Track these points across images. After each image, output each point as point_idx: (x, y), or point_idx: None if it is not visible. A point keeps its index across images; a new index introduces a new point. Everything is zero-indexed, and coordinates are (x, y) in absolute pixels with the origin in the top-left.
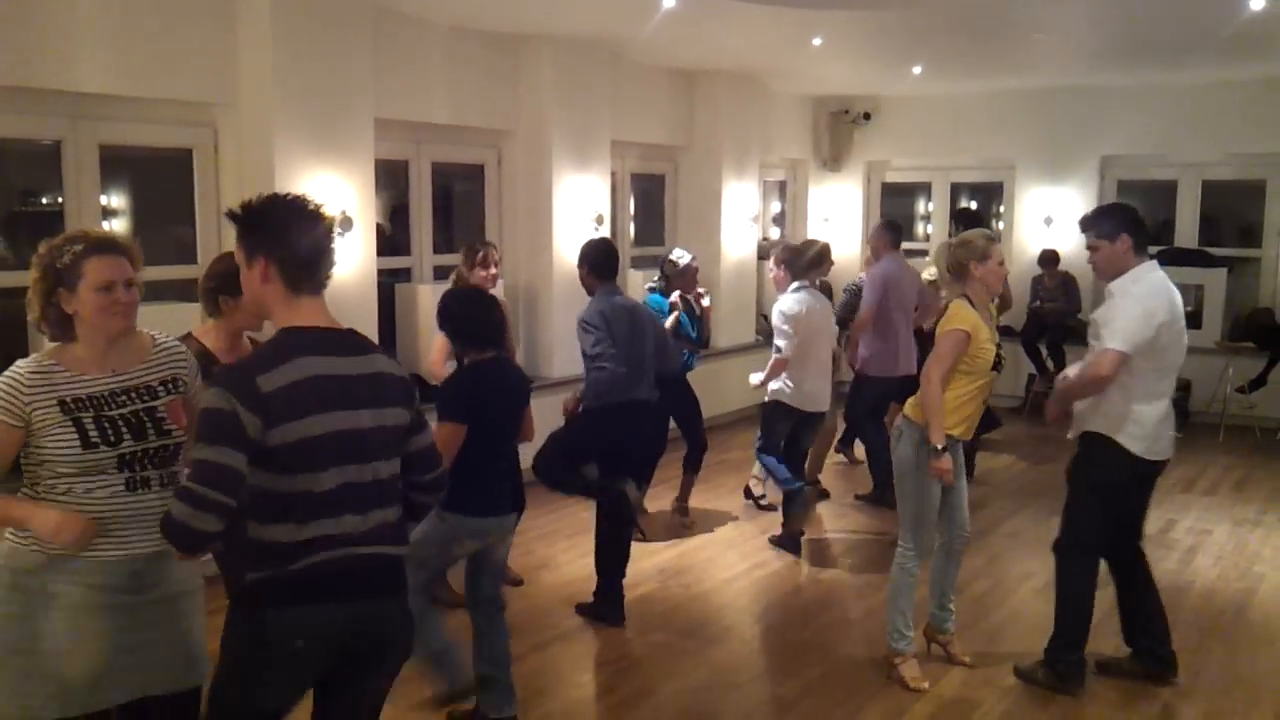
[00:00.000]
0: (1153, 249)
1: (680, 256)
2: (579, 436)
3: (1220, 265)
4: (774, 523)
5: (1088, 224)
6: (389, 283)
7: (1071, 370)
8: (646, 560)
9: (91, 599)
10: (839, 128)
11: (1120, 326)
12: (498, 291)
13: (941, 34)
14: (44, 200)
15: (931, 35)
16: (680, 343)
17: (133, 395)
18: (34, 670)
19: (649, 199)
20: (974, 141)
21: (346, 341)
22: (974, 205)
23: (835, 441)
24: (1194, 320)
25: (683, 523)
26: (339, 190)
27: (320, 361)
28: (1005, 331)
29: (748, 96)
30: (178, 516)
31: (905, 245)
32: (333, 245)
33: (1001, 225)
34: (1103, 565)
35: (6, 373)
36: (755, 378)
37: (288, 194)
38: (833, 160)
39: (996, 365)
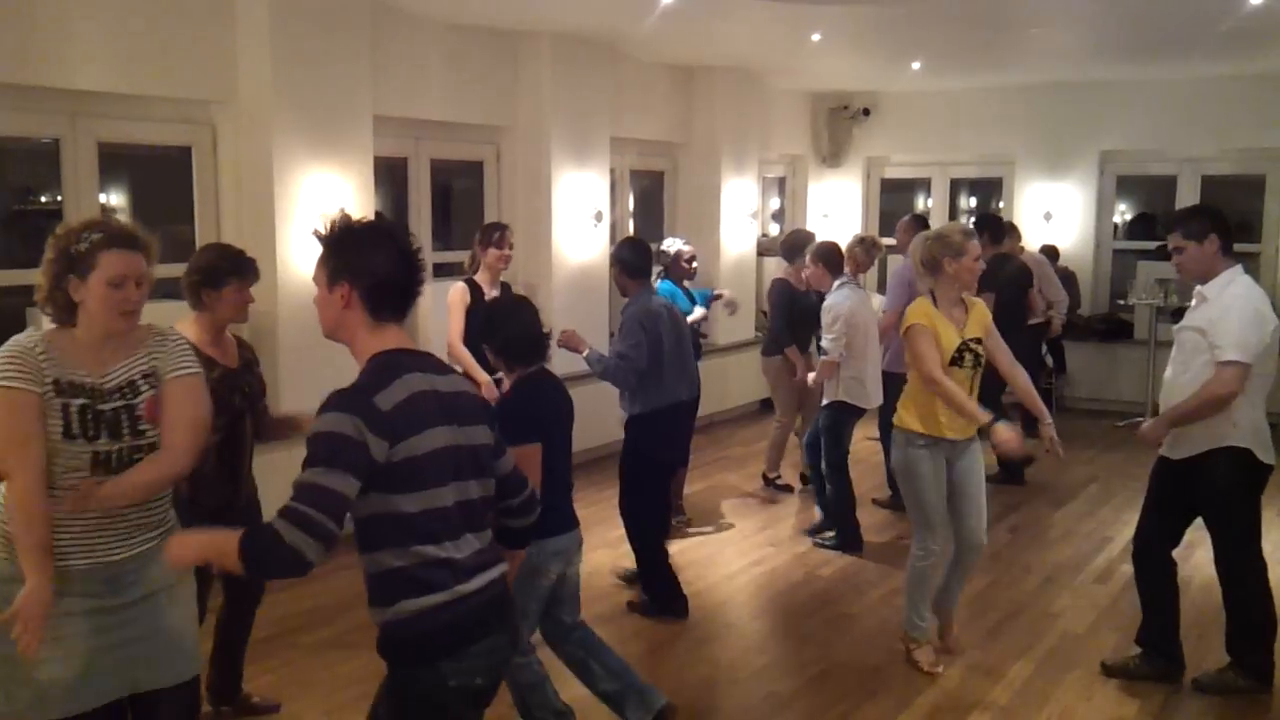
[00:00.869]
0: (1151, 244)
1: (670, 244)
2: (639, 461)
3: None
4: (776, 519)
5: (1174, 224)
6: None
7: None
8: None
9: (67, 606)
10: (838, 123)
11: (1237, 338)
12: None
13: (940, 29)
14: (43, 199)
15: (930, 30)
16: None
17: (120, 392)
18: (12, 675)
19: (648, 196)
20: (973, 137)
21: (433, 361)
22: (999, 207)
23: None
24: None
25: (677, 520)
26: (338, 187)
27: (422, 378)
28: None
29: (747, 92)
30: (291, 542)
31: None
32: (421, 274)
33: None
34: (1117, 572)
35: (7, 346)
36: (811, 377)
37: (372, 219)
38: (832, 156)
39: (976, 362)
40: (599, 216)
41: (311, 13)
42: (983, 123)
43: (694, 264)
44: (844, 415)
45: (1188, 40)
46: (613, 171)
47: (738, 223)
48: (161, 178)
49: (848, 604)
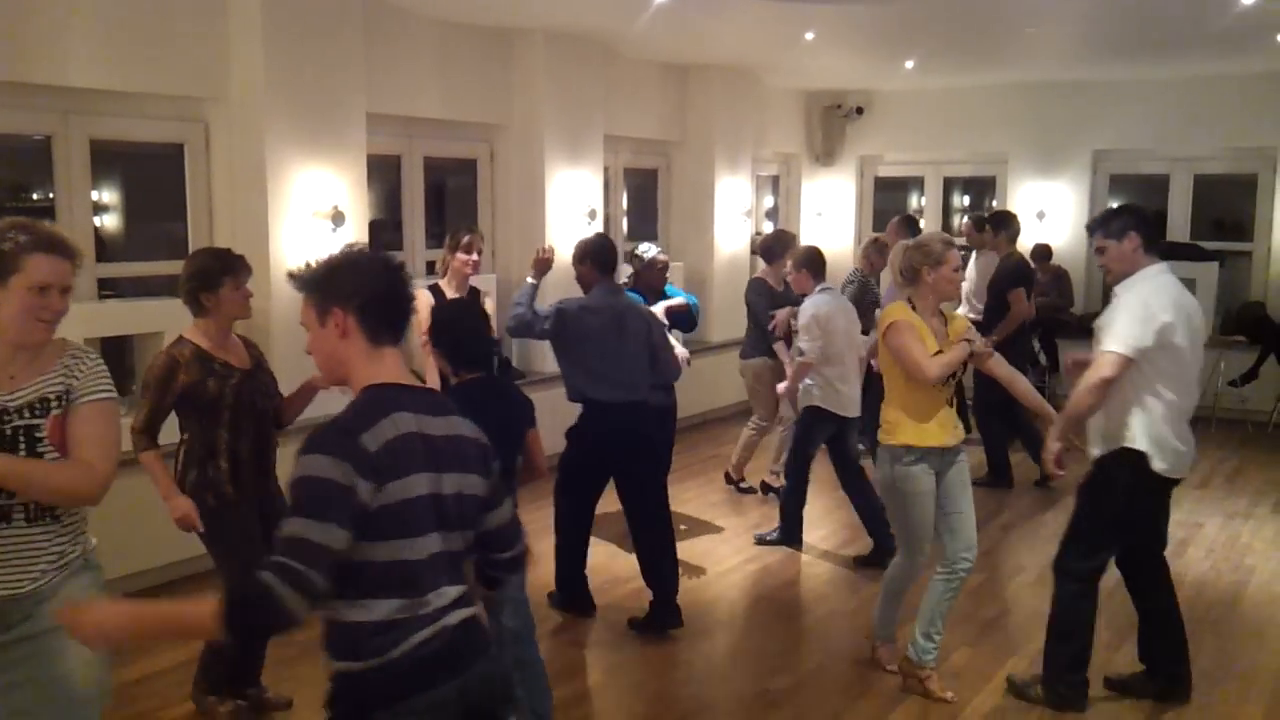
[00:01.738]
0: None
1: (646, 250)
2: (568, 449)
3: (1212, 259)
4: (768, 518)
5: (1095, 225)
6: None
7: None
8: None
9: None
10: (832, 122)
11: (1118, 329)
12: (480, 282)
13: (934, 28)
14: (35, 196)
15: (924, 29)
16: None
17: (23, 411)
18: None
19: (642, 194)
20: (966, 136)
21: (430, 400)
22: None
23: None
24: None
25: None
26: (331, 185)
27: (413, 419)
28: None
29: (740, 91)
30: (280, 598)
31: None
32: (410, 289)
33: None
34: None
35: None
36: (781, 386)
37: (350, 246)
38: (825, 155)
39: (952, 375)
40: (593, 214)
41: (305, 10)
42: (976, 122)
43: (667, 273)
44: (819, 421)
45: (1180, 39)
46: (606, 169)
47: (731, 221)
48: (154, 175)
49: (840, 602)
